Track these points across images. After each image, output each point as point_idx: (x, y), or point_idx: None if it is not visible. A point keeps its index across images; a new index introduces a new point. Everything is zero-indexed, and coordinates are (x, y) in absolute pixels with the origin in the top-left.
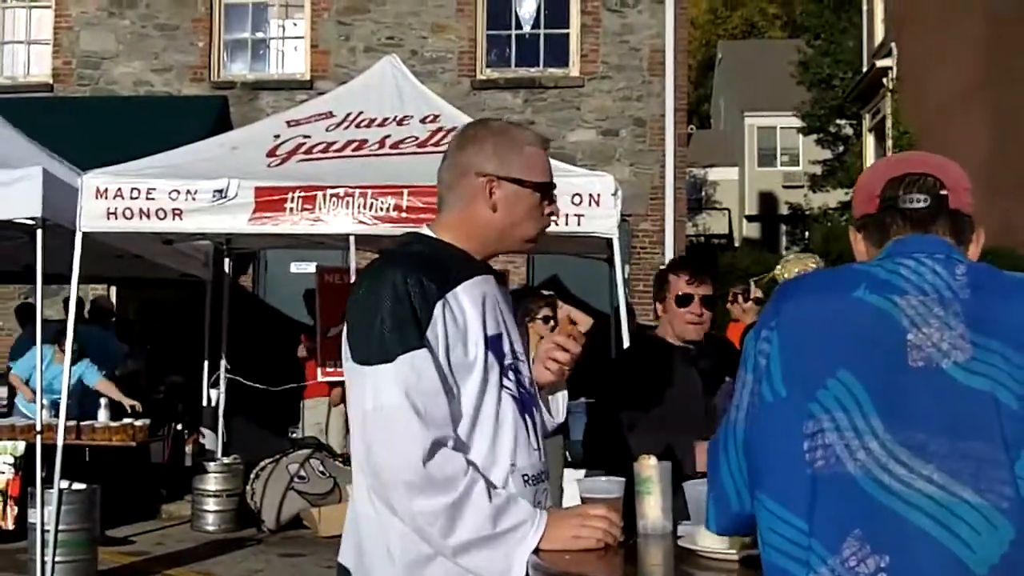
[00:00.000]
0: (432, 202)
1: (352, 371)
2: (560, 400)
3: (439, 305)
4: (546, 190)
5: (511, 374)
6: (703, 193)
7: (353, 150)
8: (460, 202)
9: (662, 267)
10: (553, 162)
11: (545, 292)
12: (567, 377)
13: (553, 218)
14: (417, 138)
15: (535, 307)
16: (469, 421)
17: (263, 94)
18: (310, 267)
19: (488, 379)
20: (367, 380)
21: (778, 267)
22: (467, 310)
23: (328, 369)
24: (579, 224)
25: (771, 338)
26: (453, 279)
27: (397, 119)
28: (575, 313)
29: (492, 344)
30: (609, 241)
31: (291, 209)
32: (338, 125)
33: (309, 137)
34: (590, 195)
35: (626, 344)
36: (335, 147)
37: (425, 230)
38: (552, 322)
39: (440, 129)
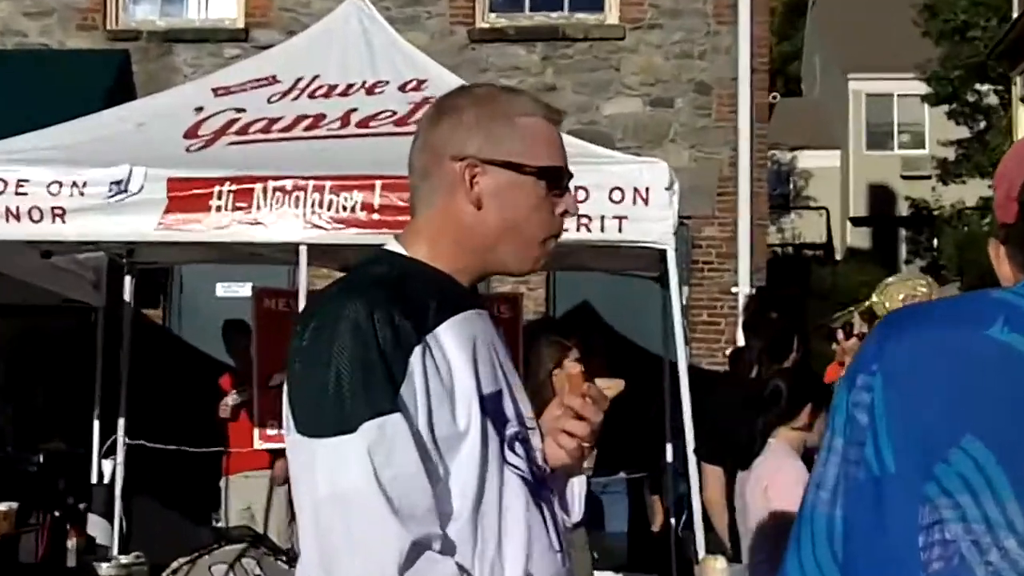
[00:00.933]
0: None
1: (297, 445)
2: (577, 490)
3: (417, 352)
4: (554, 177)
5: (518, 447)
6: (791, 186)
7: (305, 129)
8: (434, 199)
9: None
10: (585, 145)
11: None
12: (585, 455)
13: (567, 217)
14: (394, 113)
15: (559, 353)
16: (463, 513)
17: (179, 49)
18: (243, 289)
19: (487, 455)
20: (319, 458)
21: (876, 295)
22: (453, 359)
23: (269, 432)
24: (619, 230)
25: (872, 387)
26: (433, 315)
27: (366, 86)
28: (601, 382)
29: (490, 406)
30: (662, 254)
31: (218, 209)
32: (284, 94)
33: (244, 111)
34: (635, 190)
35: (684, 394)
36: (280, 125)
37: (393, 244)
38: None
39: (426, 100)
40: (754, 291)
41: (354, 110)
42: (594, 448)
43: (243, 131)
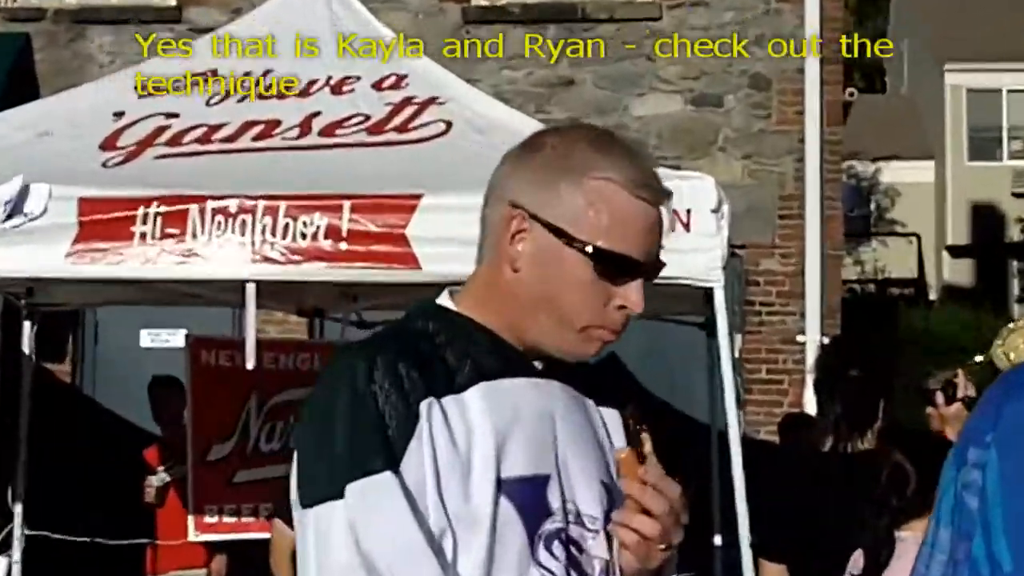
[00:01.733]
0: (398, 225)
1: (299, 522)
2: None
3: (425, 408)
4: (614, 263)
5: (557, 546)
6: (873, 207)
7: (255, 138)
8: (486, 247)
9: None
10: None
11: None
12: (660, 558)
13: (626, 313)
14: (367, 117)
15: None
16: None
17: (94, 32)
18: (175, 338)
19: (504, 549)
20: (308, 531)
21: (998, 342)
22: (476, 427)
23: (208, 520)
24: None
25: (985, 464)
26: (465, 376)
27: (332, 83)
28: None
29: (522, 491)
30: (708, 294)
31: (143, 236)
32: (227, 94)
33: (176, 116)
34: (673, 212)
35: (737, 472)
36: (222, 134)
37: (443, 297)
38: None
39: (408, 102)
40: (828, 340)
41: (316, 114)
42: (672, 551)
43: (175, 141)
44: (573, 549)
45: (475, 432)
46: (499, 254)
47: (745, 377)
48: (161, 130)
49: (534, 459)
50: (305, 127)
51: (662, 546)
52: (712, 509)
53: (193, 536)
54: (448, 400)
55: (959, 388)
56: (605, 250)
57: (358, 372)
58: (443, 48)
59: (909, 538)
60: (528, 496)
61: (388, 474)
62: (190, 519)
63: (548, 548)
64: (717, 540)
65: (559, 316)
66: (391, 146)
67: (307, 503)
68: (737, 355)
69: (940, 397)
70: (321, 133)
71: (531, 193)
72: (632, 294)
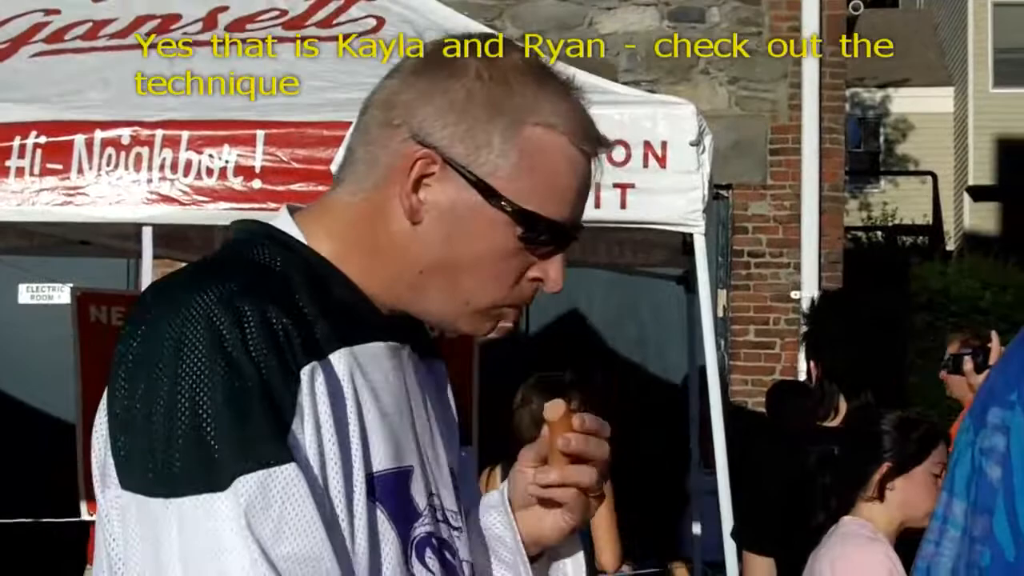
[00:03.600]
0: (322, 160)
1: (124, 508)
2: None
3: (306, 374)
4: (542, 230)
5: (429, 553)
6: (880, 141)
7: (149, 33)
8: (366, 177)
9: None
10: (577, 74)
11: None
12: (593, 509)
13: (543, 290)
14: (283, 12)
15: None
16: None
17: None
18: (60, 293)
19: (379, 561)
20: (164, 528)
21: None
22: (346, 404)
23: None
24: (623, 206)
25: (1011, 426)
26: (325, 336)
27: None
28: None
29: (385, 490)
30: (686, 241)
31: (19, 172)
32: None
33: (58, 12)
34: (646, 144)
35: (719, 451)
36: (111, 29)
37: (283, 222)
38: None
39: None
40: (820, 294)
41: (223, 8)
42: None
43: (56, 38)
44: (447, 554)
45: (346, 412)
46: (387, 196)
47: (731, 340)
48: (39, 27)
49: (398, 449)
50: (209, 22)
51: (596, 494)
52: (689, 493)
53: (87, 517)
54: (323, 363)
55: (992, 353)
56: (536, 215)
57: (223, 323)
58: None
59: (849, 522)
60: (396, 495)
61: (291, 467)
62: (82, 505)
63: (421, 557)
64: (696, 529)
65: (459, 288)
66: (311, 43)
67: (155, 491)
68: (721, 314)
69: (969, 363)
70: (228, 28)
71: (448, 132)
72: (553, 269)
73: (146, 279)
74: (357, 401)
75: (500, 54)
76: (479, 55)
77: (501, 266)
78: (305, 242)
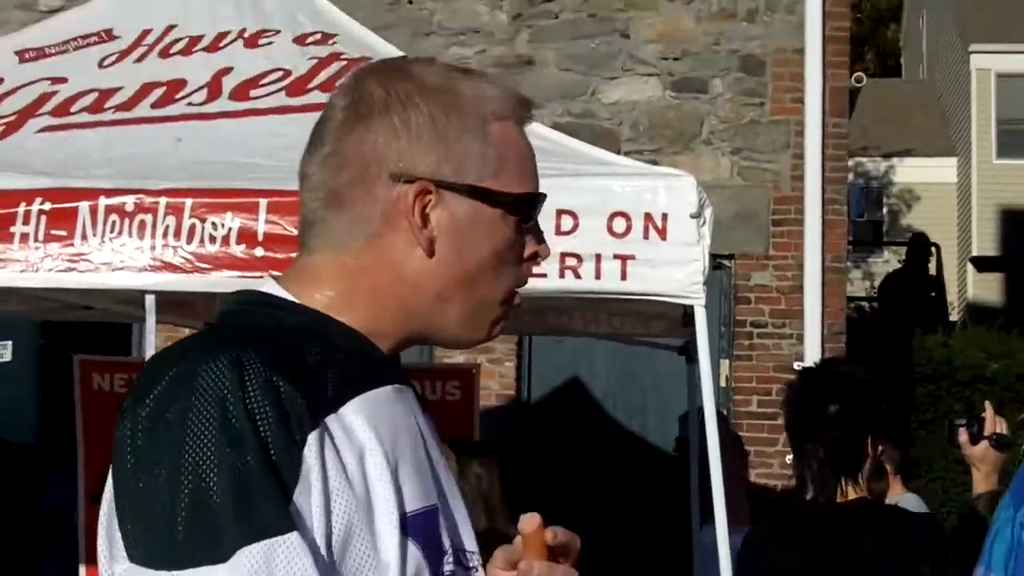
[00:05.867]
0: None
1: None
2: None
3: (313, 441)
4: (529, 207)
5: None
6: (884, 210)
7: (155, 104)
8: (353, 238)
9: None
10: (573, 146)
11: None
12: None
13: (538, 263)
14: (287, 73)
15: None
16: None
17: None
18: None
19: None
20: None
21: None
22: (368, 453)
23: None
24: (623, 277)
25: None
26: (335, 388)
27: (245, 35)
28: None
29: (419, 528)
30: (687, 312)
31: (24, 239)
32: (124, 54)
33: (65, 80)
34: (646, 216)
35: (721, 534)
36: (117, 100)
37: (272, 286)
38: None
39: (336, 57)
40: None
41: (228, 71)
42: None
43: (62, 111)
44: None
45: (368, 461)
46: (389, 244)
47: (733, 410)
48: (45, 98)
49: (423, 487)
50: (214, 88)
51: None
52: (692, 555)
53: None
54: (331, 421)
55: (987, 424)
56: (523, 195)
57: (225, 387)
58: (382, 20)
59: None
60: (428, 533)
61: (294, 536)
62: (82, 569)
63: None
64: None
65: (476, 294)
66: (315, 111)
67: (159, 563)
68: (723, 384)
69: (964, 435)
70: (233, 96)
71: (431, 158)
72: (540, 237)
73: (149, 346)
74: (381, 445)
75: (417, 70)
76: (403, 80)
77: (507, 256)
78: (296, 300)
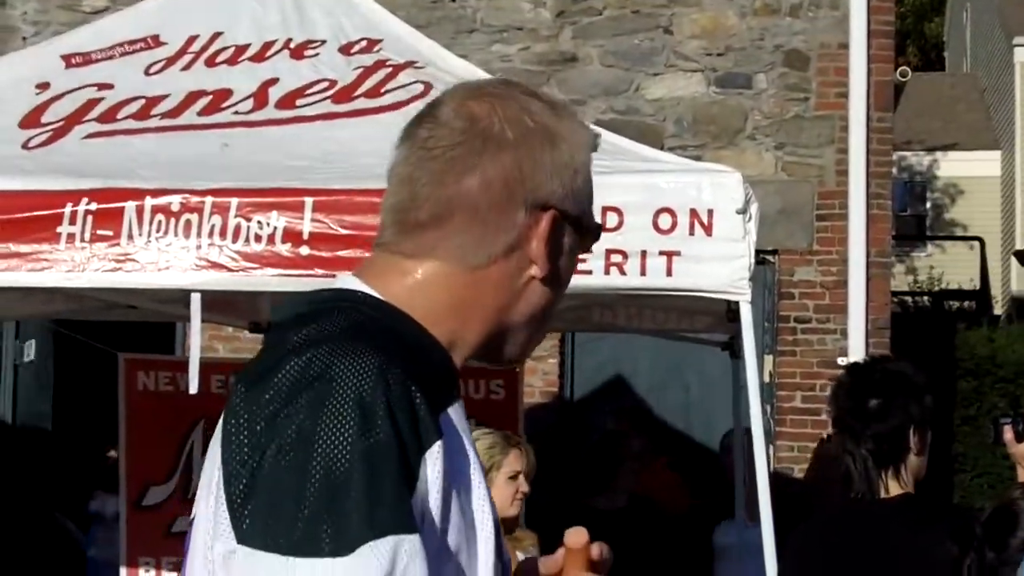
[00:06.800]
0: (368, 226)
1: (240, 562)
2: None
3: (438, 447)
4: (597, 237)
5: None
6: (927, 205)
7: (201, 112)
8: (481, 250)
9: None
10: (618, 143)
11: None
12: None
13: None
14: (333, 83)
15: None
16: None
17: None
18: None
19: None
20: None
21: None
22: (468, 465)
23: (143, 574)
24: (668, 273)
25: None
26: (443, 399)
27: (292, 46)
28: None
29: (500, 540)
30: (732, 308)
31: (70, 238)
32: (170, 61)
33: (110, 87)
34: (692, 212)
35: (767, 528)
36: (164, 107)
37: (360, 284)
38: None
39: (381, 65)
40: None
41: (274, 81)
42: None
43: (108, 117)
44: None
45: (469, 473)
46: (512, 264)
47: (776, 406)
48: (92, 104)
49: (493, 503)
50: (260, 98)
51: None
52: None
53: None
54: (445, 427)
55: None
56: (599, 228)
57: (366, 384)
58: (424, 16)
59: None
60: (503, 550)
61: (416, 537)
62: (123, 572)
63: None
64: None
65: (549, 313)
66: (361, 115)
67: (279, 548)
68: (767, 380)
69: (1009, 432)
70: (279, 105)
71: (561, 191)
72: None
73: (194, 344)
74: (476, 460)
75: (524, 100)
76: (520, 106)
77: (573, 271)
78: (402, 308)
